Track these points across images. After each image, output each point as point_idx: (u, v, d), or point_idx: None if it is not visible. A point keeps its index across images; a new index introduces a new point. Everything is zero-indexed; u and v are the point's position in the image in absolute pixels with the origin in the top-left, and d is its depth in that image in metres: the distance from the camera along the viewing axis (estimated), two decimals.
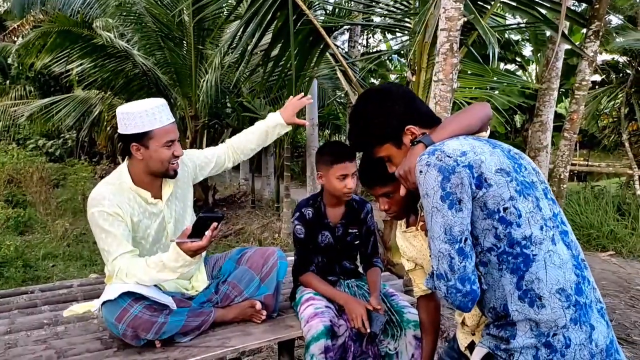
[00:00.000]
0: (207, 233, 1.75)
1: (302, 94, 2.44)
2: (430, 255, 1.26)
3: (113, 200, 1.91)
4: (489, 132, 1.49)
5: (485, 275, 1.26)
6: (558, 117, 7.94)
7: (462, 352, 1.61)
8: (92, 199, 1.92)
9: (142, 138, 1.90)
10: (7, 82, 13.85)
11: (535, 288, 1.19)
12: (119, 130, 1.95)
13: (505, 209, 1.20)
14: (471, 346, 1.57)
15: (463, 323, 1.62)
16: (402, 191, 1.43)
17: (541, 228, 1.21)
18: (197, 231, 1.75)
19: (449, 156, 1.22)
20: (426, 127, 1.41)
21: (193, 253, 1.78)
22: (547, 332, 1.18)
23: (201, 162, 2.29)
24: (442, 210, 1.20)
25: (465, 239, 1.20)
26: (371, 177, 1.62)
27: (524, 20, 4.58)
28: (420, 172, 1.24)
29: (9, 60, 13.38)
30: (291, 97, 2.43)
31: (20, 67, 12.75)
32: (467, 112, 1.44)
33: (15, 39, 11.85)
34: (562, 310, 1.17)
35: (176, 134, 1.97)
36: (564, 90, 8.11)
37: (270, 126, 2.39)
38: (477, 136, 1.42)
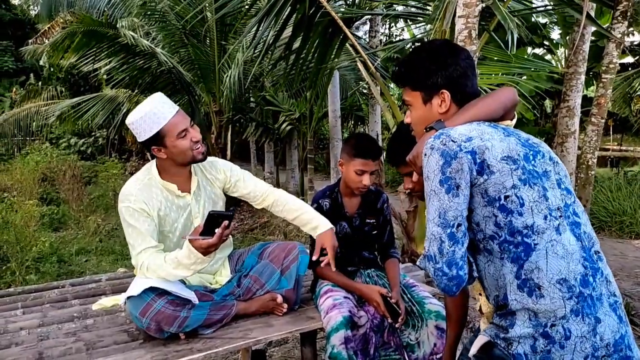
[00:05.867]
0: (218, 231, 1.76)
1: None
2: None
3: (139, 196, 1.96)
4: (515, 119, 1.46)
5: (488, 263, 1.26)
6: (589, 101, 7.71)
7: None
8: (121, 194, 1.99)
9: (157, 139, 1.94)
10: (40, 83, 14.28)
11: (535, 277, 1.18)
12: (137, 139, 2.00)
13: (506, 197, 1.20)
14: None
15: (480, 311, 1.61)
16: (415, 176, 1.44)
17: (545, 217, 1.20)
18: (208, 229, 1.76)
19: (453, 141, 1.23)
20: (458, 103, 1.39)
21: (204, 250, 1.78)
22: (545, 323, 1.17)
23: (237, 180, 2.24)
24: (440, 194, 1.22)
25: (459, 225, 1.21)
26: (397, 156, 1.64)
27: (550, 3, 4.44)
28: (425, 155, 1.26)
29: (41, 62, 13.79)
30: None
31: (52, 69, 13.14)
32: (489, 97, 1.41)
33: (47, 41, 12.20)
34: (562, 300, 1.16)
35: (186, 121, 1.97)
36: (593, 73, 7.85)
37: (308, 226, 2.20)
38: (501, 124, 1.40)
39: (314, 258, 2.08)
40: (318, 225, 2.16)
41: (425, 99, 1.41)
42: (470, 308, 3.35)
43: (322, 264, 2.06)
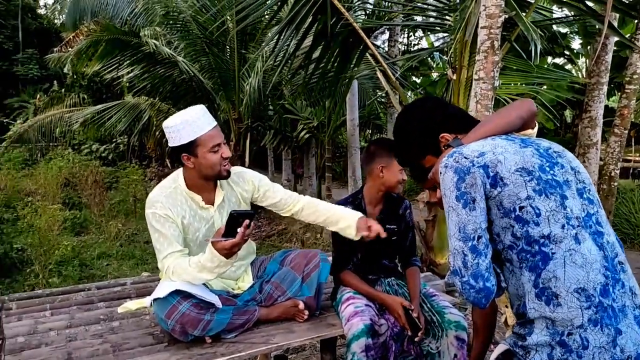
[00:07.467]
0: (240, 230, 1.80)
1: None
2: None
3: (165, 203, 2.02)
4: (536, 128, 1.48)
5: (510, 273, 1.27)
6: (610, 111, 7.61)
7: None
8: (148, 200, 2.05)
9: (190, 147, 1.98)
10: (63, 90, 14.59)
11: (552, 286, 1.18)
12: (168, 144, 2.05)
13: (521, 208, 1.22)
14: None
15: (506, 324, 1.61)
16: (438, 192, 1.46)
17: (562, 227, 1.20)
18: (230, 230, 1.80)
19: (466, 157, 1.27)
20: (463, 132, 1.44)
21: (228, 251, 1.82)
22: (562, 331, 1.17)
23: (266, 190, 2.27)
24: (457, 209, 1.25)
25: (479, 237, 1.23)
26: (421, 172, 1.66)
27: (571, 13, 4.43)
28: (440, 173, 1.31)
29: (65, 70, 14.11)
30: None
31: (75, 76, 13.42)
32: (505, 110, 1.45)
33: (71, 49, 12.49)
34: (579, 310, 1.16)
35: (221, 137, 2.03)
36: (616, 83, 7.75)
37: (344, 219, 2.18)
38: (523, 134, 1.42)
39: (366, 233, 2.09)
40: (350, 215, 2.18)
41: (436, 154, 1.48)
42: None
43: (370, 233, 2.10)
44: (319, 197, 8.58)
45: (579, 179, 1.31)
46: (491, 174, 1.24)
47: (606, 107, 5.99)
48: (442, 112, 1.49)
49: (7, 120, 15.86)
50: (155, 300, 1.94)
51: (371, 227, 2.10)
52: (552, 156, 1.31)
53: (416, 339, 2.09)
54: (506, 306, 1.48)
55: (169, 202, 2.03)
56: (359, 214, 2.19)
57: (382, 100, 9.45)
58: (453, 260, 1.26)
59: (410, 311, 2.09)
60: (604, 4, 3.30)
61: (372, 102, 9.52)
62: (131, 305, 2.33)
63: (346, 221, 2.17)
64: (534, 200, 1.22)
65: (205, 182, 2.10)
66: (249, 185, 2.26)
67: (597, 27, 3.99)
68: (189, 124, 1.96)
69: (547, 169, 1.27)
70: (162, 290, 1.93)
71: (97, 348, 1.95)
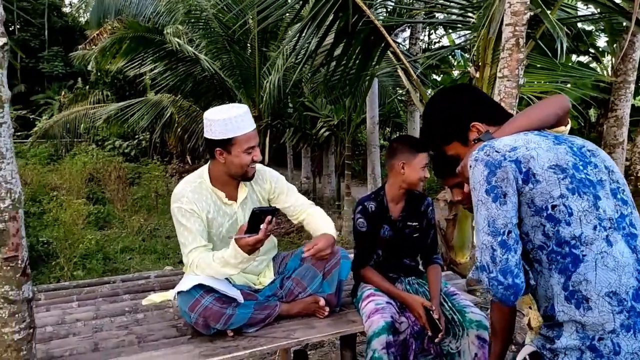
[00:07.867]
0: (263, 226, 1.84)
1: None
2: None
3: (191, 197, 2.06)
4: (569, 126, 1.46)
5: (539, 274, 1.24)
6: (637, 111, 7.44)
7: None
8: (174, 195, 2.10)
9: (226, 144, 2.02)
10: (87, 87, 14.86)
11: (583, 290, 1.15)
12: (204, 134, 2.08)
13: (553, 207, 1.18)
14: None
15: (529, 326, 1.58)
16: (466, 188, 1.44)
17: (594, 228, 1.17)
18: (253, 226, 1.84)
19: (497, 151, 1.24)
20: (494, 124, 1.40)
21: (251, 248, 1.86)
22: (593, 336, 1.14)
23: (279, 193, 2.33)
24: (487, 203, 1.21)
25: (509, 232, 1.19)
26: (444, 168, 1.64)
27: (597, 10, 4.35)
28: (470, 166, 1.27)
29: (89, 67, 14.37)
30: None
31: (99, 73, 13.65)
32: (538, 106, 1.42)
33: (95, 47, 12.70)
34: (611, 314, 1.13)
35: (256, 139, 2.08)
36: None
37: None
38: (555, 131, 1.40)
39: (305, 251, 2.06)
40: (321, 230, 2.19)
41: (463, 142, 1.44)
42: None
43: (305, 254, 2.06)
44: (338, 194, 8.60)
45: (613, 178, 1.27)
46: (523, 170, 1.21)
47: (633, 106, 5.87)
48: (470, 97, 1.45)
49: (33, 116, 16.26)
50: (179, 293, 1.98)
51: (314, 247, 2.03)
52: (585, 155, 1.28)
53: (436, 340, 2.08)
54: (530, 307, 1.46)
55: (194, 196, 2.08)
56: (327, 233, 2.16)
57: (403, 98, 9.38)
58: (480, 256, 1.22)
59: (431, 312, 2.09)
60: (631, 0, 3.24)
61: (392, 100, 9.46)
62: (155, 297, 2.39)
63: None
64: (567, 199, 1.18)
65: (230, 179, 2.15)
66: (267, 184, 2.30)
67: (624, 24, 3.91)
68: (232, 121, 2.00)
69: (581, 167, 1.23)
70: (185, 283, 1.97)
71: (123, 339, 2.00)
